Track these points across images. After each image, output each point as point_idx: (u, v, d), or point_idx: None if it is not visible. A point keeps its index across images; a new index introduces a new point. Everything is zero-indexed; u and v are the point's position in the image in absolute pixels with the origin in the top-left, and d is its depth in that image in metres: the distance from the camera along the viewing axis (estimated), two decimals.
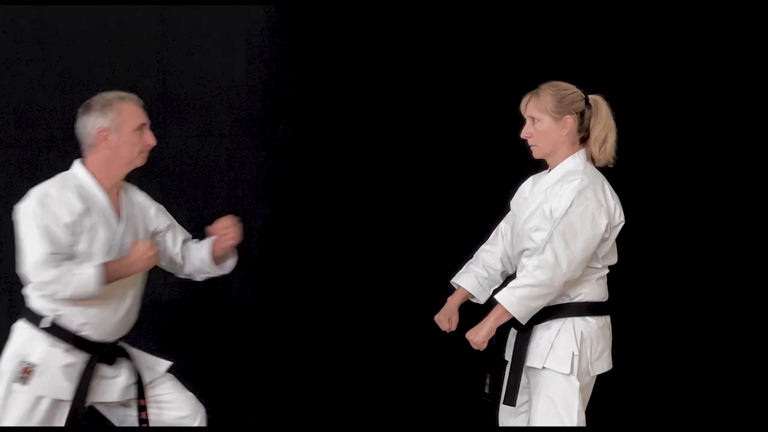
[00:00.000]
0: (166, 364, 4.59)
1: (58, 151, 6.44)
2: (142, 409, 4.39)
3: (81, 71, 6.39)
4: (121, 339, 4.47)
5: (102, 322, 4.31)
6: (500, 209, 6.30)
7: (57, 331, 4.26)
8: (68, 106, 6.42)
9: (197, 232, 6.45)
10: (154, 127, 6.43)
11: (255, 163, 6.40)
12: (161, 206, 4.68)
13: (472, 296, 4.79)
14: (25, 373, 4.19)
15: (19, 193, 6.44)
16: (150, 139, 4.48)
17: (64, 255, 4.20)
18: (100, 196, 4.38)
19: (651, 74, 6.42)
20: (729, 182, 6.43)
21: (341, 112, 6.47)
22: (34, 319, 4.29)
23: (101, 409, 4.52)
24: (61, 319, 4.26)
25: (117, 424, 4.52)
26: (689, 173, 6.44)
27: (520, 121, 6.48)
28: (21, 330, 4.35)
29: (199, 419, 4.55)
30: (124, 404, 4.46)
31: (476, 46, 6.43)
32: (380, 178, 6.47)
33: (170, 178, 6.37)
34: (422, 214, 6.45)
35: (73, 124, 6.46)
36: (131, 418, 4.44)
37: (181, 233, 4.71)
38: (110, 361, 4.37)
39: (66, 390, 4.25)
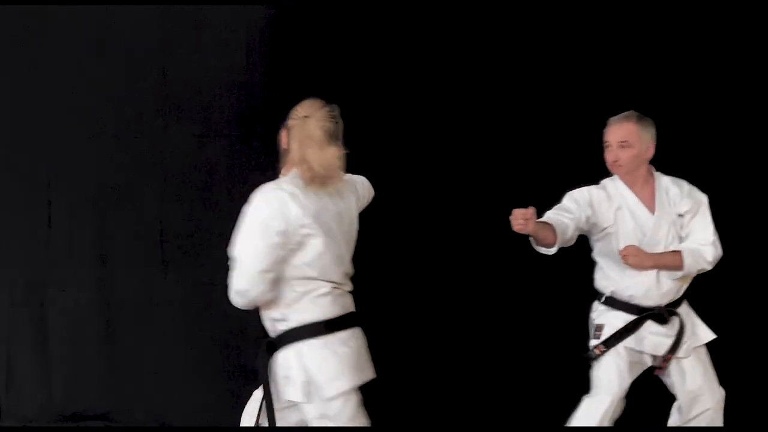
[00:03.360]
0: (709, 336, 5.13)
1: (58, 151, 6.45)
2: (664, 360, 5.03)
3: (81, 71, 6.39)
4: (672, 305, 5.05)
5: (647, 293, 4.98)
6: (499, 209, 6.31)
7: (613, 301, 5.07)
8: (68, 106, 6.43)
9: (196, 231, 6.47)
10: (155, 127, 6.48)
11: (255, 163, 6.40)
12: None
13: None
14: (598, 331, 5.06)
15: (20, 193, 6.48)
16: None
17: None
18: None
19: (651, 74, 6.42)
20: (730, 183, 6.44)
21: (341, 112, 6.46)
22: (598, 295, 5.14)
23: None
24: (615, 294, 5.06)
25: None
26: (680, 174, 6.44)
27: (520, 123, 6.49)
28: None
29: (709, 401, 5.06)
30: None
31: (476, 47, 6.43)
32: (380, 178, 6.47)
33: (170, 178, 6.37)
34: (423, 214, 6.45)
35: (73, 123, 6.48)
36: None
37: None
38: (662, 322, 5.01)
39: (630, 340, 4.99)
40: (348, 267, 4.32)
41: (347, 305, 4.29)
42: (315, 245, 4.11)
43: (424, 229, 6.47)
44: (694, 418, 5.06)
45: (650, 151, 5.01)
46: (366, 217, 6.50)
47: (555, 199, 6.07)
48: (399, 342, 6.45)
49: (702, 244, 4.99)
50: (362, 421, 4.18)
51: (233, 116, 6.40)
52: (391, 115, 6.47)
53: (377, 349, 6.47)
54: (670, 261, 4.96)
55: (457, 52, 6.43)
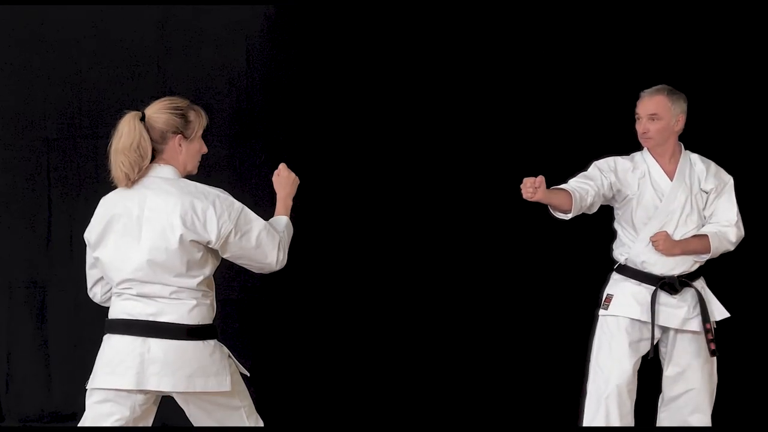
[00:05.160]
0: (723, 314, 5.16)
1: (58, 151, 6.45)
2: (707, 331, 5.05)
3: (81, 71, 6.39)
4: (686, 275, 5.10)
5: (659, 260, 5.04)
6: (499, 208, 6.31)
7: (626, 269, 5.14)
8: (68, 106, 6.43)
9: None
10: None
11: (255, 163, 6.40)
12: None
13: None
14: (606, 301, 5.13)
15: (20, 193, 6.48)
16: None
17: None
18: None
19: (648, 72, 6.42)
20: None
21: (341, 112, 6.46)
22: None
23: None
24: (628, 261, 5.14)
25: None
26: None
27: (519, 122, 6.49)
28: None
29: (695, 381, 5.08)
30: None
31: (475, 47, 6.43)
32: (380, 178, 6.47)
33: None
34: (423, 213, 6.44)
35: (73, 124, 6.48)
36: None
37: None
38: (673, 291, 5.06)
39: (636, 310, 5.04)
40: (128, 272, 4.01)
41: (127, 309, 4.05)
42: None
43: (422, 228, 6.46)
44: (678, 396, 5.07)
45: (680, 125, 5.08)
46: (366, 216, 6.52)
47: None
48: (397, 342, 6.44)
49: (725, 226, 5.08)
50: (98, 420, 4.00)
51: (233, 116, 6.39)
52: (391, 114, 6.46)
53: (374, 349, 6.49)
54: (698, 246, 5.04)
55: (456, 51, 6.43)
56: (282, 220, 4.23)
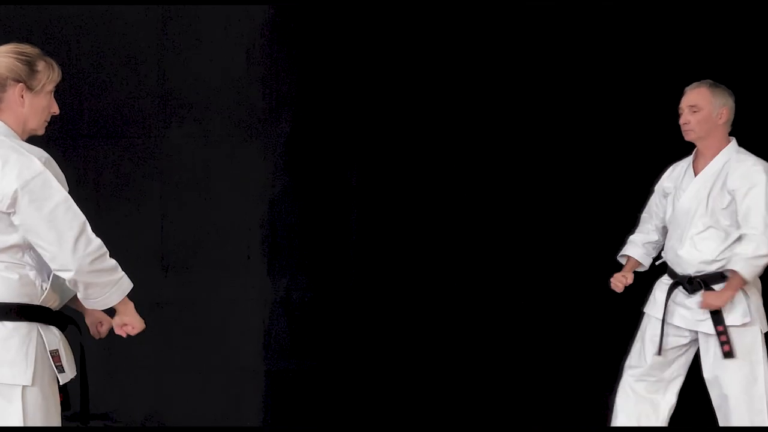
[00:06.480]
0: (737, 320, 4.93)
1: (57, 151, 6.43)
2: (720, 333, 4.88)
3: (81, 71, 6.39)
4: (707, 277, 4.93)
5: (678, 259, 4.96)
6: (501, 207, 6.31)
7: (666, 267, 5.08)
8: (68, 105, 6.42)
9: (197, 232, 6.46)
10: (155, 127, 6.47)
11: (255, 163, 6.40)
12: None
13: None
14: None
15: None
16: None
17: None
18: None
19: (651, 75, 6.43)
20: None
21: (341, 112, 6.46)
22: None
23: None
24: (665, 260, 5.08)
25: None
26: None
27: (521, 122, 6.49)
28: None
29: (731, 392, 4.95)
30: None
31: (475, 46, 6.43)
32: (380, 177, 6.47)
33: (170, 178, 6.37)
34: (423, 212, 6.45)
35: (71, 123, 6.47)
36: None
37: None
38: (687, 291, 4.96)
39: (656, 308, 5.04)
40: None
41: None
42: None
43: (424, 227, 6.47)
44: (717, 399, 4.97)
45: (723, 118, 4.92)
46: (365, 216, 6.52)
47: (554, 201, 6.08)
48: (399, 341, 6.45)
49: (751, 235, 4.79)
50: None
51: (233, 116, 6.39)
52: (392, 114, 6.46)
53: (375, 350, 6.49)
54: (738, 282, 4.84)
55: (458, 52, 6.43)
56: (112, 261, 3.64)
